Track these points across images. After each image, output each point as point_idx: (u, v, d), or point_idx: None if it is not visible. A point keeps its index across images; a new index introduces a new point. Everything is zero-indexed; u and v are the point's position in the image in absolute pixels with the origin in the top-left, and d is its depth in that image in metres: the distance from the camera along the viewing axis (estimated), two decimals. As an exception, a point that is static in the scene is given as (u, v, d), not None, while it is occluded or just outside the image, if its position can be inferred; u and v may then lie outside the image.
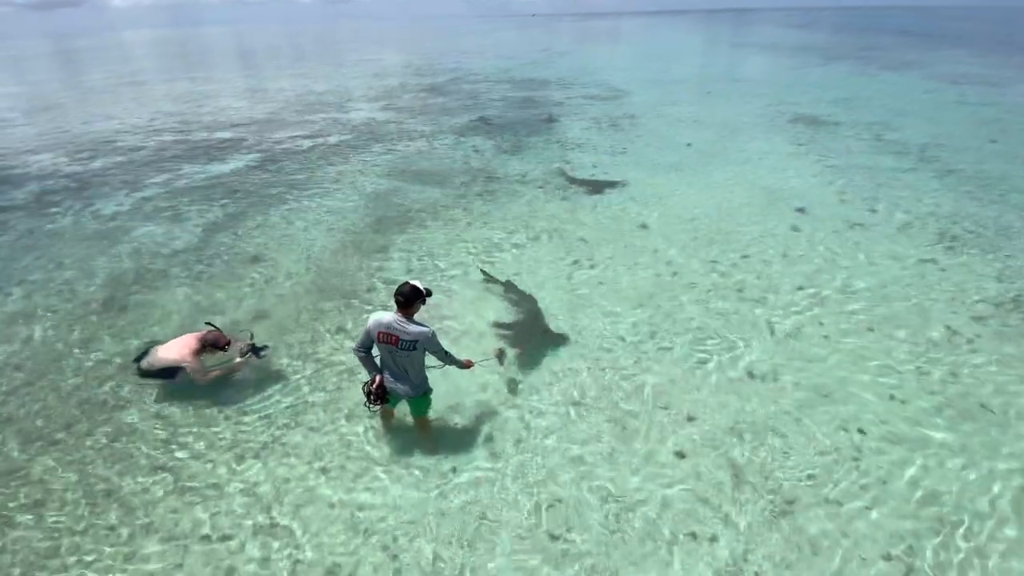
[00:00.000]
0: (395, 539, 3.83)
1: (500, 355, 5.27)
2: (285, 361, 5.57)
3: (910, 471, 4.25)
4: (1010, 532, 3.75)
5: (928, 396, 5.02)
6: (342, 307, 6.59)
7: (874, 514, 3.90)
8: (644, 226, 8.61)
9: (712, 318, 6.28)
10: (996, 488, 4.07)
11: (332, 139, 13.37)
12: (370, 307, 6.50)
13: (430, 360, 4.05)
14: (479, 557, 3.70)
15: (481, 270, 7.11)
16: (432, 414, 4.54)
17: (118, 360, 5.66)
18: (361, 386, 4.17)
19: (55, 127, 14.95)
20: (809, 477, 4.21)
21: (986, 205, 9.11)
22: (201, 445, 4.63)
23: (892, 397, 5.01)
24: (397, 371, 4.01)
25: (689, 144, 12.68)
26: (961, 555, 3.59)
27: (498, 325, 6.16)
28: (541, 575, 3.58)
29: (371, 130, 14.11)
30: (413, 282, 3.85)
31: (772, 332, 6.00)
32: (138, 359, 5.05)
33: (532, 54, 27.01)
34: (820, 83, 19.68)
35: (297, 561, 3.71)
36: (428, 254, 7.79)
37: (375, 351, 4.06)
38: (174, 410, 4.98)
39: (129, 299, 6.78)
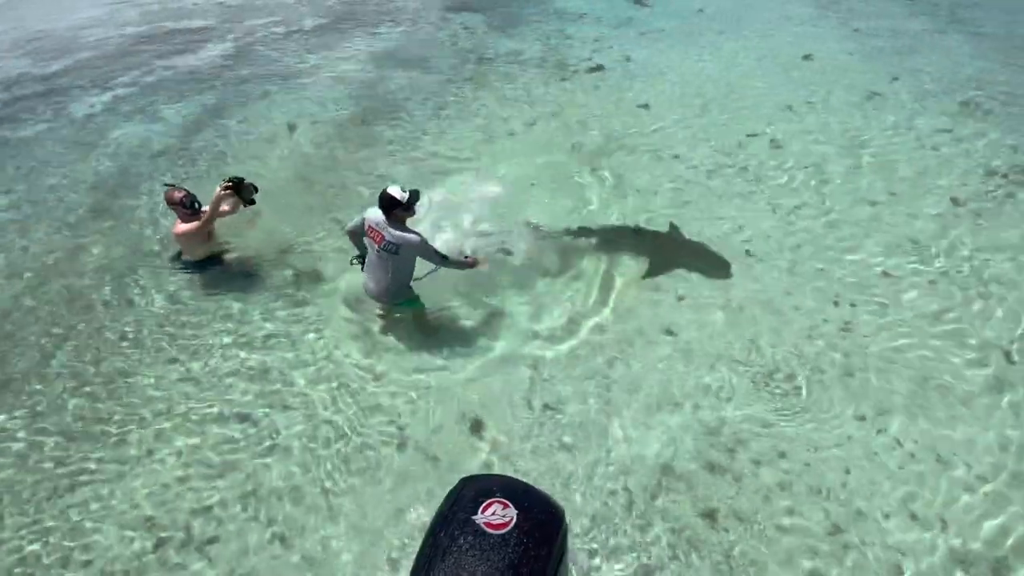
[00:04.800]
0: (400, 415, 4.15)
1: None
2: (277, 256, 5.66)
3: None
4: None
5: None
6: (329, 201, 6.49)
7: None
8: (646, 105, 8.10)
9: (711, 198, 6.18)
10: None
11: (308, 23, 12.22)
12: (359, 200, 6.39)
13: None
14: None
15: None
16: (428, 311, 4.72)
17: (115, 262, 5.74)
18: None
19: (11, 26, 13.74)
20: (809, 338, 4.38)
21: (1018, 72, 8.40)
22: (202, 338, 4.88)
23: (885, 274, 5.06)
24: (375, 271, 4.04)
25: (701, 10, 11.51)
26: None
27: (484, 220, 5.95)
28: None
29: (350, 11, 12.85)
30: (391, 189, 3.70)
31: (774, 211, 5.92)
32: (175, 257, 5.58)
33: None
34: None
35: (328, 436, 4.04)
36: (415, 146, 7.46)
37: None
38: (177, 306, 5.20)
39: (115, 203, 6.68)
